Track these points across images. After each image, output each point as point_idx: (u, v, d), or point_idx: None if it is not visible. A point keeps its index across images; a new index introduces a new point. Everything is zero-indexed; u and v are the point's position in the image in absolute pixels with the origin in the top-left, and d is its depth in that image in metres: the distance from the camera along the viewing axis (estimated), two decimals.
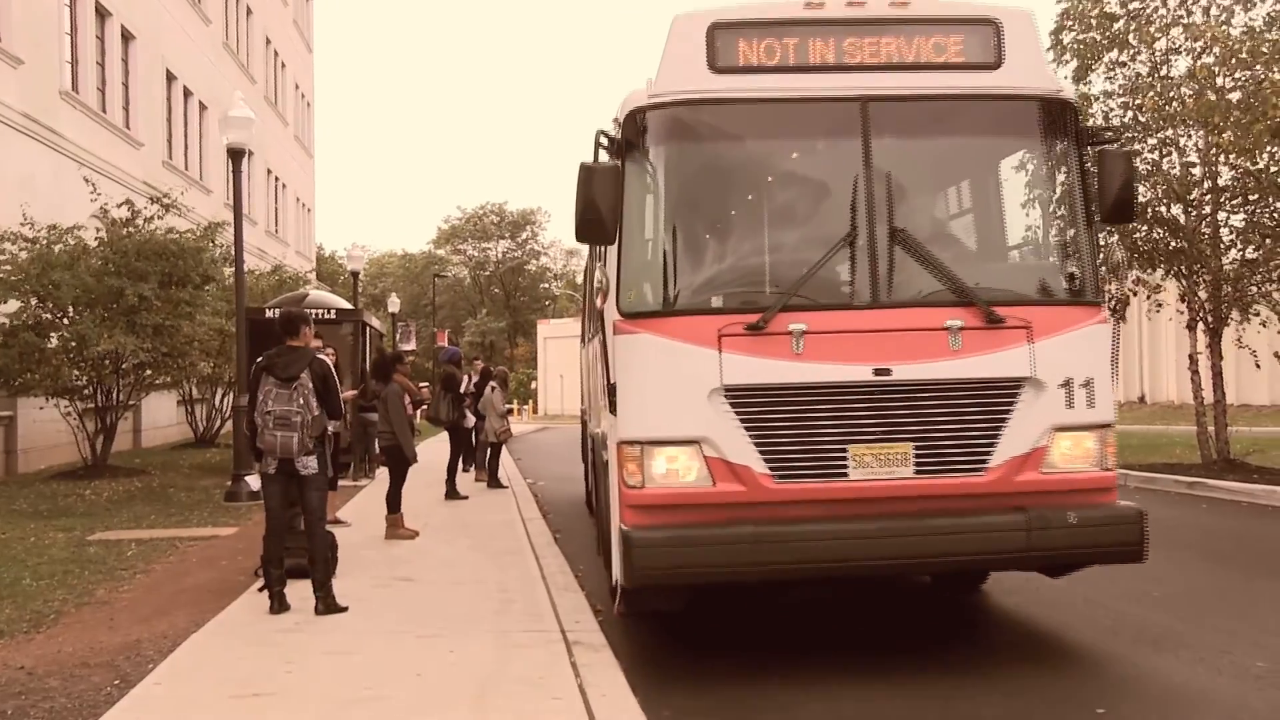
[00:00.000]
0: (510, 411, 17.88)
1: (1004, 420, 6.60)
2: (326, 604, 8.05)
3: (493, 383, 17.75)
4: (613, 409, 6.75)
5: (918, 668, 6.92)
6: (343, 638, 7.32)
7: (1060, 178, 7.33)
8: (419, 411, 13.78)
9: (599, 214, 6.53)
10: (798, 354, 6.48)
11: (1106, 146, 7.05)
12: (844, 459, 6.50)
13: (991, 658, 7.24)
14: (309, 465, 8.08)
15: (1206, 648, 7.25)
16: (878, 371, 6.50)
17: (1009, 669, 6.89)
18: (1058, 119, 7.12)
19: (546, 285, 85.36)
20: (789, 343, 6.49)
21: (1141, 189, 16.59)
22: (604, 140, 6.84)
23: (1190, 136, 17.34)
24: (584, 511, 14.23)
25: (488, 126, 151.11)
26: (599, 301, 6.99)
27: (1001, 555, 6.76)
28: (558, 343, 54.10)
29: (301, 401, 7.91)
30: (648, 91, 6.93)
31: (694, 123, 7.03)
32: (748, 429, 6.45)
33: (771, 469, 6.46)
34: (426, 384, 11.80)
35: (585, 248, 14.26)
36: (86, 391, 18.20)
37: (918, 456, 6.54)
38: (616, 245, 6.81)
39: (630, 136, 6.90)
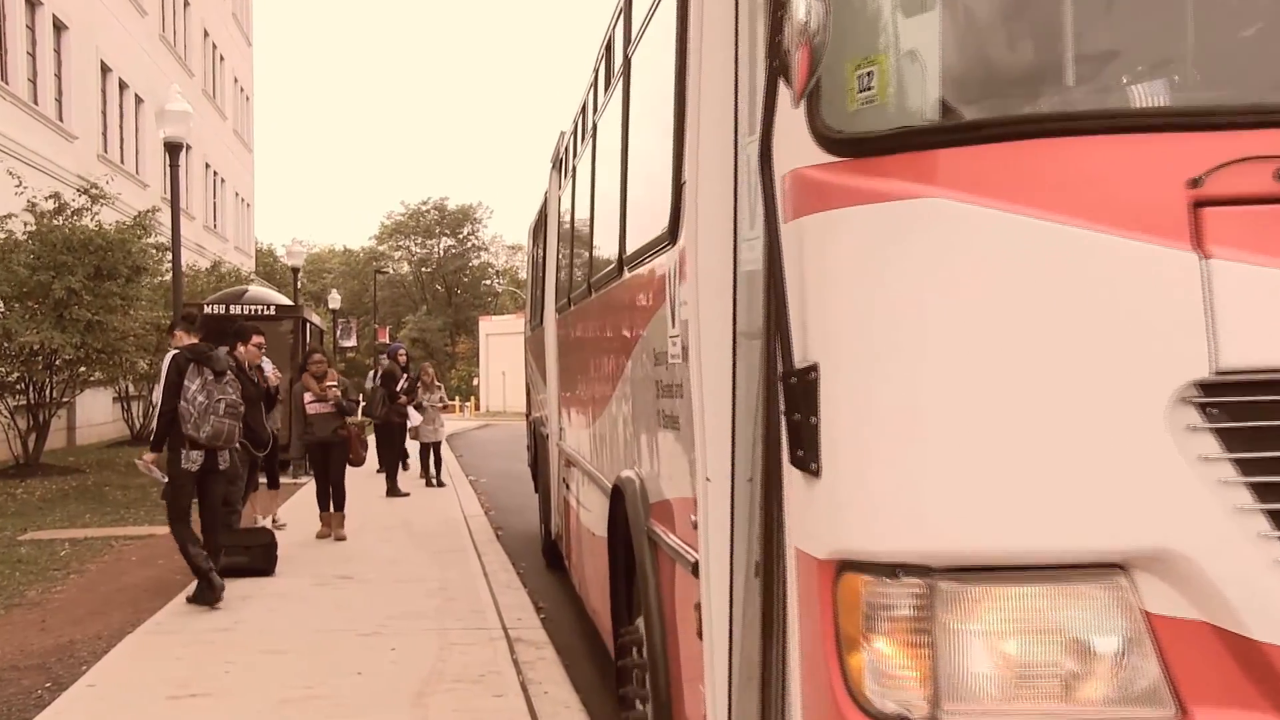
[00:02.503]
0: (418, 406, 17.19)
1: None
2: (203, 597, 8.13)
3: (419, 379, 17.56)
4: (801, 455, 2.47)
5: None
6: (283, 637, 7.25)
7: None
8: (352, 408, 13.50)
9: None
10: None
11: None
12: None
13: None
14: (227, 458, 8.38)
15: None
16: None
17: None
18: None
19: (489, 282, 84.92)
20: None
21: None
22: None
23: None
24: (530, 505, 13.22)
25: (428, 122, 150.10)
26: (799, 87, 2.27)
27: None
28: (500, 339, 53.78)
29: (236, 393, 8.20)
30: None
31: None
32: None
33: None
34: (334, 383, 11.40)
35: (526, 248, 13.23)
36: (18, 388, 17.85)
37: None
38: None
39: None
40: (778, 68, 2.36)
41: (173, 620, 7.85)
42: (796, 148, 2.47)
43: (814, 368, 2.41)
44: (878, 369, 2.33)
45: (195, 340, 8.23)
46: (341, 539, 11.56)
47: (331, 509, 11.89)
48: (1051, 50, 2.52)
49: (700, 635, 3.12)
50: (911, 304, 2.30)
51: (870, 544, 2.32)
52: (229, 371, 8.21)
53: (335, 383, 11.86)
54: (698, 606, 3.15)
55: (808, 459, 2.43)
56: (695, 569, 3.21)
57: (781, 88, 2.37)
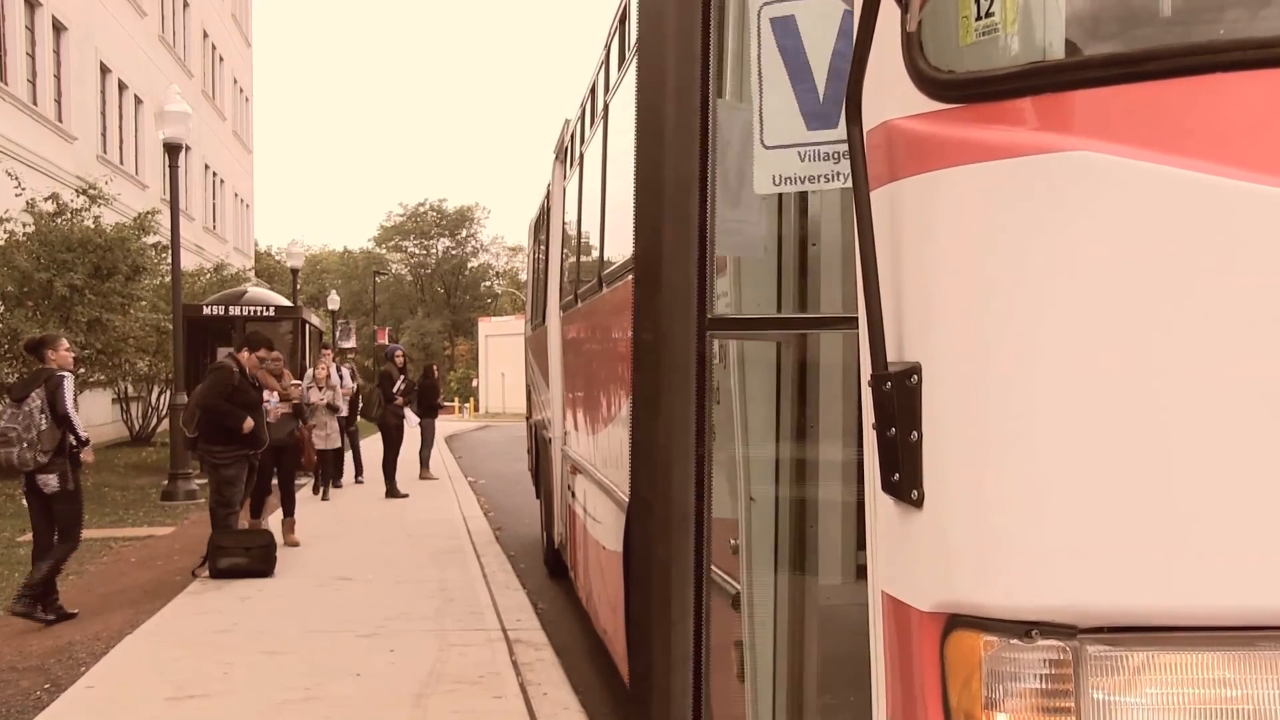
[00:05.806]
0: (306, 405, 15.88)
1: None
2: (26, 609, 7.99)
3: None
4: (895, 481, 1.91)
5: None
6: (281, 638, 7.25)
7: None
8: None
9: None
10: None
11: None
12: None
13: None
14: (50, 484, 8.08)
15: None
16: None
17: None
18: None
19: (488, 283, 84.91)
20: None
21: None
22: None
23: None
24: (529, 506, 13.28)
25: (428, 122, 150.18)
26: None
27: None
28: (499, 340, 53.78)
29: (23, 420, 8.00)
30: None
31: None
32: None
33: None
34: (296, 382, 11.22)
35: (526, 247, 13.11)
36: None
37: None
38: None
39: None
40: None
41: (172, 621, 7.85)
42: (889, 94, 1.90)
43: (915, 369, 1.87)
44: (1005, 370, 1.77)
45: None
46: (294, 545, 10.92)
47: (278, 515, 11.47)
48: None
49: (741, 677, 2.77)
50: (1051, 284, 1.74)
51: (994, 595, 1.76)
52: (40, 392, 8.09)
53: (296, 383, 11.58)
54: (738, 644, 2.83)
55: (905, 485, 1.88)
56: (735, 601, 2.85)
57: (883, 11, 1.82)
